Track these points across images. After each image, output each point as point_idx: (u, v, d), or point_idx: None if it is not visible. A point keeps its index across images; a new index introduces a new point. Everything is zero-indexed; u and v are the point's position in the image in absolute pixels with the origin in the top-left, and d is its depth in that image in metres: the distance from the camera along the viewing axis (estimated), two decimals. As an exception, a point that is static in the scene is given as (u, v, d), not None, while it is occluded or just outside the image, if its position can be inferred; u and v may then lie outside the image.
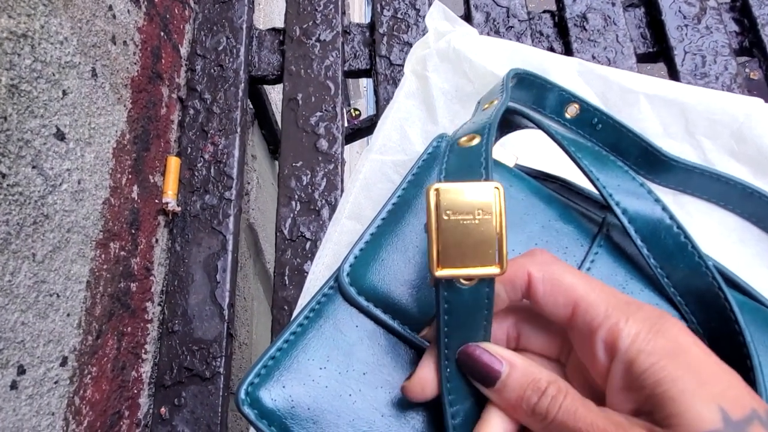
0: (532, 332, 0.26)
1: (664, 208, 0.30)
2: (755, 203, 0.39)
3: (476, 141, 0.27)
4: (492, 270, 0.23)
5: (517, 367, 0.23)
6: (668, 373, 0.20)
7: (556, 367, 0.26)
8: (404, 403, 0.29)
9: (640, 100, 0.42)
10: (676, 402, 0.20)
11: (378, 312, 0.29)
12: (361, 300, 0.30)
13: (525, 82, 0.39)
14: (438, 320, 0.24)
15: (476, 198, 0.23)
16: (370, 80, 0.57)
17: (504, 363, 0.23)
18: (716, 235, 0.40)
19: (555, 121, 0.42)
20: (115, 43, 0.41)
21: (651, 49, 0.50)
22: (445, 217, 0.23)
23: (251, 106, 0.69)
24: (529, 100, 0.41)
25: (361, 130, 0.65)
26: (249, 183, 0.70)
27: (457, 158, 0.26)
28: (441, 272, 0.23)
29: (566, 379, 0.26)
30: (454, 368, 0.25)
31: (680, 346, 0.21)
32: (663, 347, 0.21)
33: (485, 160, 0.25)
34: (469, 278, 0.23)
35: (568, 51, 0.50)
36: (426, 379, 0.26)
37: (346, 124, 0.51)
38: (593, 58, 0.49)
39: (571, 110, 0.40)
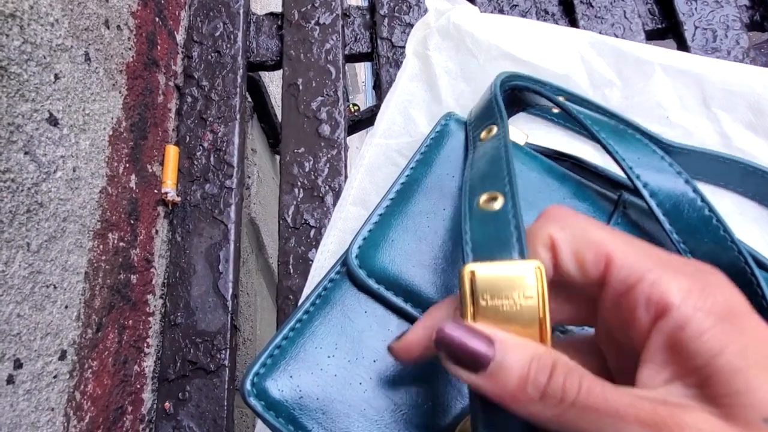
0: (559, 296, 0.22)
1: (687, 181, 0.28)
2: (757, 181, 0.38)
3: (500, 203, 0.23)
4: None
5: (511, 344, 0.19)
6: (733, 340, 0.17)
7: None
8: (416, 393, 0.27)
9: (656, 72, 0.41)
10: (742, 376, 0.16)
11: (389, 295, 0.28)
12: (372, 282, 0.28)
13: (516, 99, 0.36)
14: (475, 413, 0.21)
15: (516, 280, 0.20)
16: (369, 76, 0.55)
17: (496, 341, 0.19)
18: (726, 216, 0.39)
19: (542, 117, 0.40)
20: (108, 27, 0.39)
21: (660, 25, 0.49)
22: (483, 303, 0.20)
23: (250, 99, 0.67)
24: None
25: (362, 121, 0.63)
26: (249, 177, 0.69)
27: (482, 226, 0.23)
28: None
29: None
30: None
31: (737, 308, 0.18)
32: (722, 307, 0.18)
33: (516, 230, 0.22)
34: None
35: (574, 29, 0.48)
36: (413, 342, 0.23)
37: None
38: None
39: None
